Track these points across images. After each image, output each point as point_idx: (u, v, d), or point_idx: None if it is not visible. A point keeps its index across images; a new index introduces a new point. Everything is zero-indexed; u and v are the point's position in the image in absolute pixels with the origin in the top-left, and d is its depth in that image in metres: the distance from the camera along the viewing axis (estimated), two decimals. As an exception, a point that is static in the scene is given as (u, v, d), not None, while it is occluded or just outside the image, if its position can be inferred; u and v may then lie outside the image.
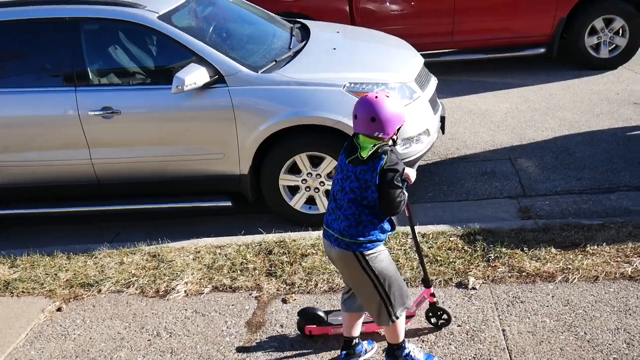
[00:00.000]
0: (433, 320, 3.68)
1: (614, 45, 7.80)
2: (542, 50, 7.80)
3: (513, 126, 6.55)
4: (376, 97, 3.02)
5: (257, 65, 4.91)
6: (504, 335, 3.55)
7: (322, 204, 5.00)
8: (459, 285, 4.01)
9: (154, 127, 4.87)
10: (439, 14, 7.77)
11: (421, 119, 5.03)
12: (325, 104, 4.75)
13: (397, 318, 3.26)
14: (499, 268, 4.13)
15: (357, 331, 3.47)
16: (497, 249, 4.29)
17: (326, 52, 5.36)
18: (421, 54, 5.83)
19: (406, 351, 3.38)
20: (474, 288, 3.98)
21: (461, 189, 5.51)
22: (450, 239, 4.49)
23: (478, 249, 4.33)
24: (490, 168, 5.79)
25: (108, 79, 4.96)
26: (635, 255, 4.10)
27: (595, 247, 4.23)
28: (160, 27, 4.79)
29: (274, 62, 5.00)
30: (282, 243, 4.60)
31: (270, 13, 6.17)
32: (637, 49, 7.80)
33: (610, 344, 3.40)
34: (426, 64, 5.75)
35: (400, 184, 3.04)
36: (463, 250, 4.35)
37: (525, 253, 4.24)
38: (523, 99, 7.20)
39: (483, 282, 4.02)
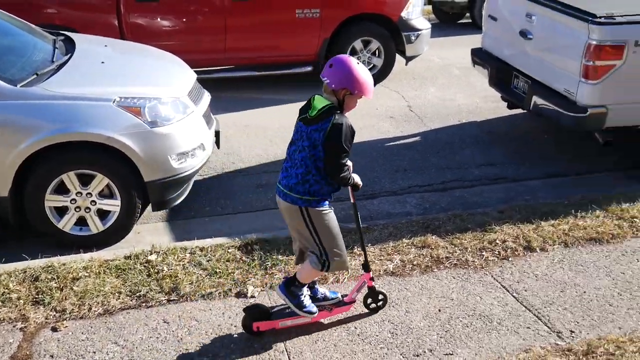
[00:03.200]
0: (372, 304, 3.87)
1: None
2: (310, 68, 8.25)
3: (286, 140, 6.72)
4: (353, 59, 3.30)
5: (15, 78, 4.55)
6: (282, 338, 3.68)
7: (94, 224, 4.76)
8: (239, 295, 4.08)
9: None
10: (210, 31, 7.86)
11: (196, 134, 5.04)
12: (95, 119, 4.55)
13: (329, 270, 3.53)
14: (276, 275, 4.27)
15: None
16: (274, 257, 4.44)
17: (94, 66, 5.15)
18: (195, 70, 5.85)
19: (301, 292, 3.64)
20: (252, 296, 4.06)
21: (238, 202, 5.61)
22: (229, 250, 4.54)
23: (255, 258, 4.44)
24: (266, 180, 5.98)
25: None
26: (396, 253, 4.50)
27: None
28: None
29: (35, 76, 4.68)
30: (50, 268, 4.29)
31: (29, 24, 5.76)
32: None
33: (377, 335, 3.69)
34: (200, 80, 5.78)
35: (346, 147, 3.27)
36: (241, 261, 4.42)
37: (301, 259, 4.43)
38: (295, 114, 7.50)
39: (261, 290, 4.13)
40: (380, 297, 3.91)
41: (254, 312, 3.70)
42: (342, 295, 3.93)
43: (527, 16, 5.94)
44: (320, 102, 3.33)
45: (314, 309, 3.69)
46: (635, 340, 3.54)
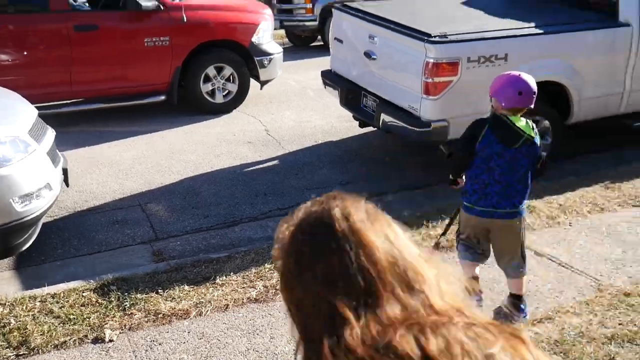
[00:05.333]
0: None
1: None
2: (163, 97, 8.09)
3: (141, 173, 6.64)
4: (522, 75, 3.70)
5: None
6: (143, 381, 3.54)
7: None
8: (95, 340, 3.88)
9: None
10: (54, 63, 7.49)
11: (40, 173, 4.78)
12: None
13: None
14: (135, 315, 4.11)
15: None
16: (132, 296, 4.27)
17: None
18: (37, 106, 5.55)
19: (523, 304, 3.94)
20: (111, 340, 3.88)
21: (93, 241, 5.36)
22: (83, 294, 4.31)
23: (113, 299, 4.25)
24: (122, 216, 5.76)
25: None
26: (258, 279, 4.49)
27: (224, 277, 4.51)
28: None
29: None
30: None
31: None
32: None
33: (243, 366, 3.65)
34: (44, 116, 5.50)
35: None
36: (97, 304, 4.22)
37: (160, 295, 4.30)
38: (149, 146, 7.36)
39: (120, 332, 3.95)
40: None
41: None
42: None
43: (369, 37, 6.20)
44: (520, 121, 3.68)
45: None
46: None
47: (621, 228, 5.17)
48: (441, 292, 1.12)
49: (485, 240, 3.94)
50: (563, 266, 4.63)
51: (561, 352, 3.62)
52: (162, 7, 7.81)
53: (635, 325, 3.84)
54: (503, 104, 3.64)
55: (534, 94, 3.67)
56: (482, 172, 3.72)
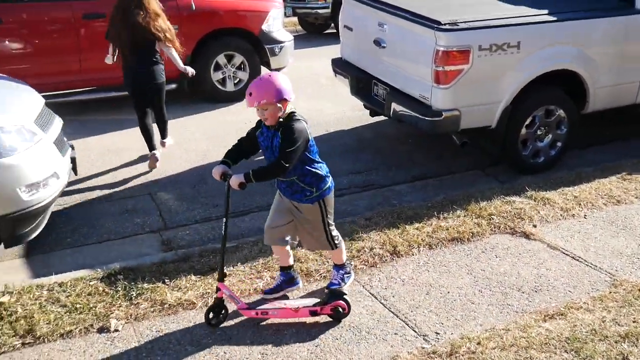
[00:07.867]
0: (213, 319, 3.87)
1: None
2: (174, 86, 8.02)
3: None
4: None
5: None
6: (147, 372, 3.51)
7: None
8: (101, 330, 3.86)
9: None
10: (63, 52, 7.48)
11: (47, 162, 4.75)
12: None
13: None
14: (141, 305, 4.08)
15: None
16: (139, 286, 4.24)
17: None
18: (48, 95, 5.52)
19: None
20: (116, 330, 3.86)
21: (102, 230, 5.34)
22: (90, 283, 4.29)
23: (120, 289, 4.23)
24: (131, 205, 5.74)
25: None
26: (265, 270, 4.45)
27: (231, 268, 4.47)
28: None
29: None
30: None
31: None
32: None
33: (247, 358, 3.60)
34: (54, 105, 5.48)
35: None
36: (104, 293, 4.20)
37: (167, 285, 4.27)
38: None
39: (126, 322, 3.93)
40: (223, 312, 3.93)
41: None
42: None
43: (379, 25, 6.09)
44: None
45: None
46: (494, 336, 3.68)
47: (637, 221, 5.05)
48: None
49: None
50: (577, 260, 4.54)
51: (572, 350, 3.53)
52: (171, -5, 7.75)
53: (650, 322, 3.76)
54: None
55: None
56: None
